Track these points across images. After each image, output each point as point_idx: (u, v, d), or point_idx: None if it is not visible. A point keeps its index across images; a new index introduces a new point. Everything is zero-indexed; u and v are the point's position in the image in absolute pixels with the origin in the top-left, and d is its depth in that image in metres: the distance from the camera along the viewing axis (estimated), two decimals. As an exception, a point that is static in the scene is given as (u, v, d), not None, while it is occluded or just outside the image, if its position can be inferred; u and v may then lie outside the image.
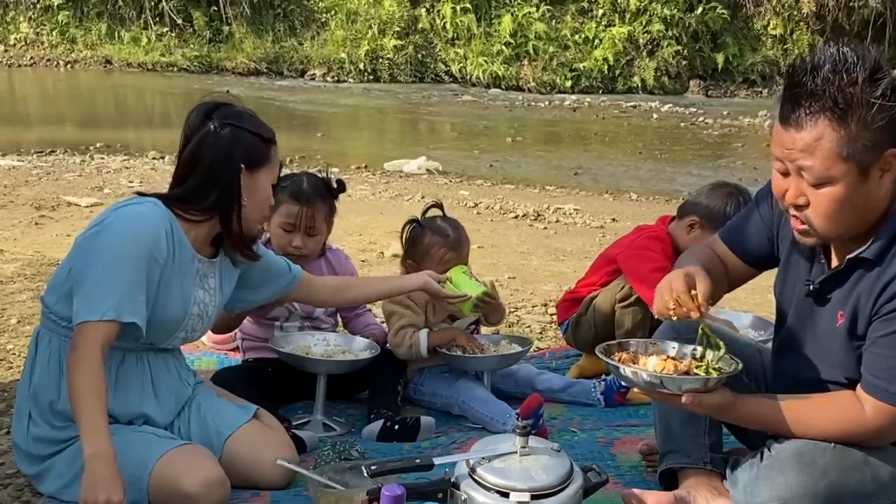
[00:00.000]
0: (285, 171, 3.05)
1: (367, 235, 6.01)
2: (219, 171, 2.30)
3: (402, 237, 3.15)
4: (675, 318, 2.01)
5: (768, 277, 2.38)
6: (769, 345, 2.33)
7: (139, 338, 2.23)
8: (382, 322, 3.62)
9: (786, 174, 1.92)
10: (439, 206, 3.19)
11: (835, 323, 2.01)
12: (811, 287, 2.06)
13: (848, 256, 1.97)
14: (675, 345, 2.13)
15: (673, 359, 2.04)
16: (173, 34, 17.72)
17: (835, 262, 2.04)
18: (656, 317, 2.09)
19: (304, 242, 2.97)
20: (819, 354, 2.06)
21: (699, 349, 2.10)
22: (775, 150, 1.91)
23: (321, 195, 3.01)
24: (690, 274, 2.02)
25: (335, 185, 3.06)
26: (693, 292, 1.98)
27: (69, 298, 2.18)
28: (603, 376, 3.24)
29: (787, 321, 2.15)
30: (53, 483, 2.26)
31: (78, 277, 2.17)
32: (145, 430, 2.31)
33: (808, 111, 1.83)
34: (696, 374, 1.99)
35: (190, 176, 2.32)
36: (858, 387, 1.96)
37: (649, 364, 2.03)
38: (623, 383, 3.11)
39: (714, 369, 2.02)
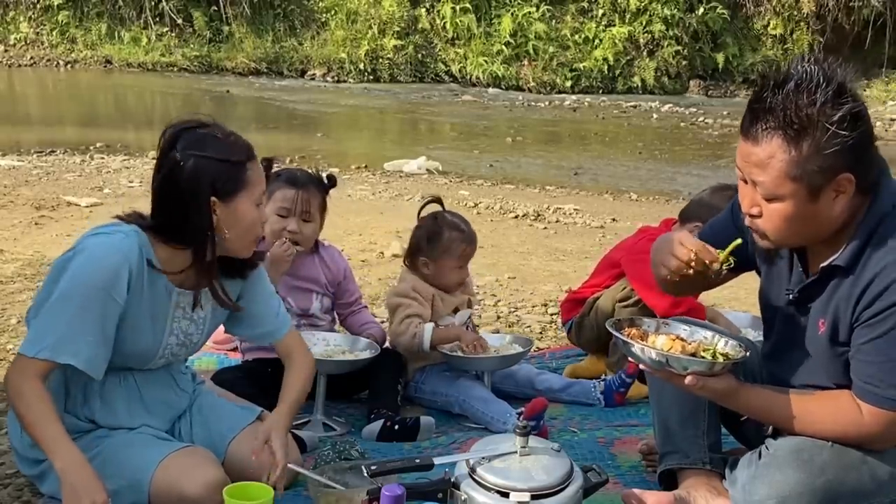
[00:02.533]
0: (276, 167, 3.09)
1: (367, 235, 6.01)
2: (186, 207, 2.15)
3: (417, 236, 3.15)
4: (691, 272, 2.02)
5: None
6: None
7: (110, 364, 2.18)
8: (383, 322, 3.62)
9: (746, 181, 1.94)
10: (438, 200, 3.24)
11: (817, 331, 2.02)
12: (791, 296, 2.07)
13: (822, 265, 1.98)
14: (687, 327, 2.15)
15: (682, 340, 2.05)
16: (173, 34, 17.72)
17: (812, 270, 2.04)
18: (669, 275, 2.07)
19: (299, 227, 2.99)
20: (806, 361, 2.07)
21: (711, 334, 2.11)
22: (737, 158, 1.94)
23: (315, 183, 3.06)
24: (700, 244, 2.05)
25: (326, 181, 3.09)
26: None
27: None
28: (602, 376, 3.24)
29: (774, 329, 2.17)
30: (55, 482, 2.25)
31: (39, 305, 2.13)
32: (145, 431, 2.31)
33: (764, 127, 1.84)
34: (703, 357, 1.99)
35: (163, 210, 2.20)
36: (853, 393, 1.97)
37: (658, 342, 2.03)
38: (625, 380, 3.13)
39: (721, 354, 2.03)
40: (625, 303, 3.17)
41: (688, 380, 1.96)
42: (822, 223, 1.91)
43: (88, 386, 2.25)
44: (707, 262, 2.01)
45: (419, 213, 3.25)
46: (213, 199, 2.15)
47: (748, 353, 2.05)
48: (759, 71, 19.33)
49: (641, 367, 2.07)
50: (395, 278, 4.78)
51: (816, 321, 2.01)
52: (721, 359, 2.00)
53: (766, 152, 1.84)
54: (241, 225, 2.21)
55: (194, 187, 2.14)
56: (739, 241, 2.05)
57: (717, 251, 2.02)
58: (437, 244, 3.10)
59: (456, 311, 3.20)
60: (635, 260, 3.21)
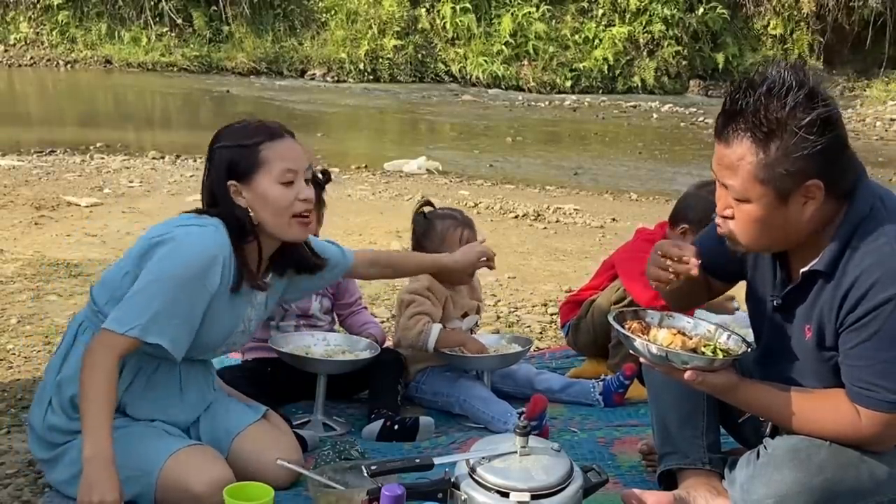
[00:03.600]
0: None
1: (367, 235, 6.01)
2: (216, 195, 2.29)
3: (415, 238, 3.17)
4: (672, 279, 2.05)
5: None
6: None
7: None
8: (383, 322, 3.63)
9: (721, 184, 1.95)
10: (430, 203, 3.24)
11: (803, 337, 2.02)
12: (775, 302, 2.07)
13: (802, 270, 1.99)
14: (691, 320, 2.15)
15: (683, 334, 2.05)
16: (173, 34, 17.70)
17: (794, 276, 2.05)
18: (653, 285, 2.09)
19: None
20: (795, 367, 2.08)
21: (713, 328, 2.12)
22: (712, 161, 1.95)
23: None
24: (677, 244, 2.09)
25: (321, 176, 3.08)
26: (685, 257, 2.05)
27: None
28: (602, 376, 3.24)
29: (762, 335, 2.17)
30: (64, 471, 2.26)
31: (129, 284, 2.19)
32: (158, 425, 2.33)
33: (735, 129, 1.86)
34: (703, 353, 1.99)
35: (210, 206, 2.32)
36: (848, 397, 1.97)
37: (659, 337, 2.04)
38: (623, 381, 3.12)
39: (722, 350, 2.03)
40: (620, 304, 3.17)
41: (687, 374, 1.96)
42: (792, 229, 1.92)
43: (140, 372, 2.30)
44: (684, 267, 2.04)
45: (413, 220, 3.24)
46: (231, 182, 2.25)
47: (749, 350, 2.06)
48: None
49: (642, 360, 2.08)
50: (395, 278, 4.79)
51: (802, 327, 2.02)
52: (721, 354, 2.00)
53: (737, 154, 1.86)
54: (269, 204, 2.26)
55: (216, 175, 2.27)
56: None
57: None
58: (434, 236, 3.11)
59: (465, 316, 3.20)
60: (628, 258, 3.24)
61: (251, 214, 2.27)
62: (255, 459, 2.37)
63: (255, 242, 2.31)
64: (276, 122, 2.34)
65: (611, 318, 2.10)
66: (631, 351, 2.09)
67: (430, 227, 3.14)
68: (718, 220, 1.99)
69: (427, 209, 3.21)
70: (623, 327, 2.07)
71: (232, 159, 2.26)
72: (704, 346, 2.02)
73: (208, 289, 2.21)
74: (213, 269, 2.20)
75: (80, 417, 2.10)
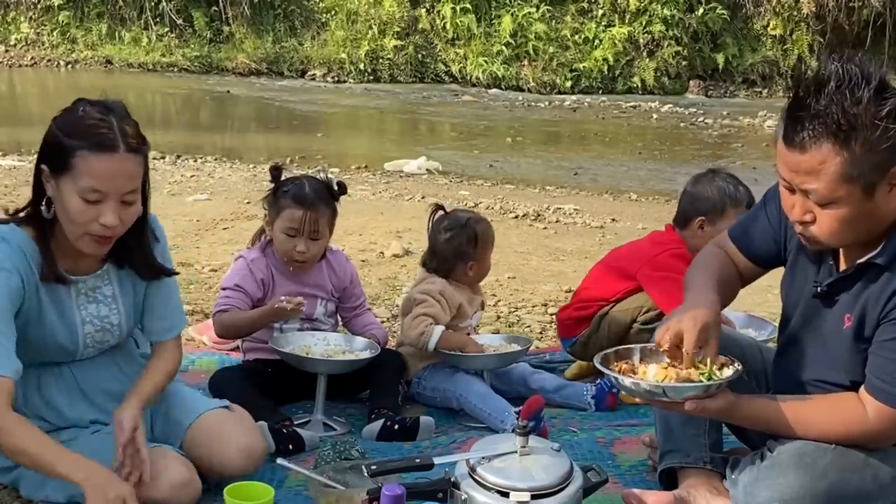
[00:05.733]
0: (286, 175, 3.06)
1: (367, 235, 6.01)
2: (34, 174, 2.13)
3: (456, 246, 3.12)
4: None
5: (768, 277, 2.38)
6: (769, 344, 2.34)
7: (36, 359, 2.18)
8: (383, 322, 3.63)
9: (792, 191, 1.92)
10: (441, 207, 3.24)
11: (842, 326, 2.01)
12: (818, 289, 2.06)
13: (858, 261, 1.98)
14: None
15: (673, 366, 2.04)
16: (173, 34, 17.70)
17: (843, 265, 2.04)
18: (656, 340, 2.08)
19: (307, 247, 2.96)
20: (823, 356, 2.07)
21: (698, 350, 2.10)
22: (780, 168, 1.91)
23: (324, 199, 3.00)
24: (706, 328, 2.01)
25: (336, 188, 3.07)
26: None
27: None
28: (597, 380, 3.21)
29: (793, 322, 2.15)
30: (30, 484, 2.22)
31: None
32: (102, 430, 2.27)
33: (811, 134, 1.82)
34: (698, 380, 1.99)
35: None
36: (862, 389, 1.97)
37: (649, 373, 2.03)
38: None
39: (714, 374, 2.02)
40: (648, 326, 3.03)
41: (687, 406, 1.97)
42: (879, 218, 1.91)
43: (27, 384, 2.22)
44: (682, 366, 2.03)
45: (432, 226, 3.20)
46: (43, 166, 2.08)
47: (741, 368, 2.04)
48: (758, 71, 19.45)
49: (637, 399, 2.07)
50: (395, 278, 4.79)
51: (842, 315, 2.01)
52: (716, 378, 1.99)
53: (817, 159, 1.82)
54: (64, 211, 2.07)
55: (39, 150, 2.11)
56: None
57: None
58: (479, 243, 3.13)
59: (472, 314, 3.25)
60: (660, 278, 3.07)
61: (53, 205, 2.10)
62: (212, 447, 2.29)
63: (58, 233, 2.15)
64: (124, 127, 2.08)
65: (597, 363, 2.10)
66: (624, 392, 2.09)
67: (474, 235, 3.12)
68: (798, 228, 1.96)
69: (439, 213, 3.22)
70: (611, 370, 2.07)
71: (50, 146, 2.08)
72: (700, 375, 2.01)
73: (20, 302, 2.09)
74: (15, 288, 2.07)
75: (41, 469, 2.01)
